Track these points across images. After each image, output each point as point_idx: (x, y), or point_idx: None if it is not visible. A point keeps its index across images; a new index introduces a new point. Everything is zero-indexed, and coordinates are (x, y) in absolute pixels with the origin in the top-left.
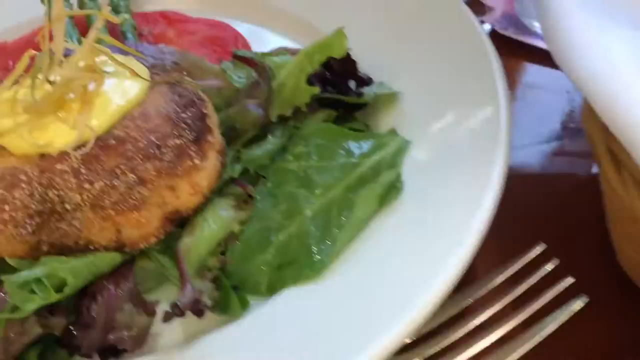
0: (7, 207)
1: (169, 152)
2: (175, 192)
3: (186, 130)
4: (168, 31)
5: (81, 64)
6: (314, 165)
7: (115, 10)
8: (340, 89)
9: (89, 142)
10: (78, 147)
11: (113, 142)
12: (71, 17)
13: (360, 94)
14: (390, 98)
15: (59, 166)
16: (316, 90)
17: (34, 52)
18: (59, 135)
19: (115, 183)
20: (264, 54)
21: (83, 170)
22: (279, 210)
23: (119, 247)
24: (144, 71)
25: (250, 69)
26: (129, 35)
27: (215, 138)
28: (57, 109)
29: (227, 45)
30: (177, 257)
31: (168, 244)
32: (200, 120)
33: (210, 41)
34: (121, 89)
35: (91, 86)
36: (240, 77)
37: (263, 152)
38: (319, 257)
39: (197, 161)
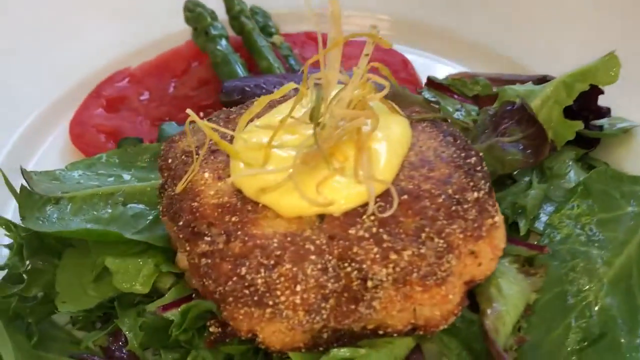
0: (298, 287)
1: (470, 208)
2: (477, 258)
3: (481, 180)
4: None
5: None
6: (598, 217)
7: (265, 31)
8: (583, 121)
9: (394, 201)
10: (364, 205)
11: (405, 197)
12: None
13: (600, 127)
14: (631, 133)
15: (352, 231)
16: (580, 125)
17: (294, 85)
18: (341, 191)
19: (423, 251)
20: (473, 82)
21: (385, 236)
22: (571, 273)
23: (412, 331)
24: (398, 109)
25: (454, 99)
26: (292, 60)
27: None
28: (330, 158)
29: (396, 70)
30: (486, 338)
31: None
32: (483, 167)
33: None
34: (388, 129)
35: (364, 129)
36: (458, 109)
37: (533, 202)
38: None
39: (496, 218)
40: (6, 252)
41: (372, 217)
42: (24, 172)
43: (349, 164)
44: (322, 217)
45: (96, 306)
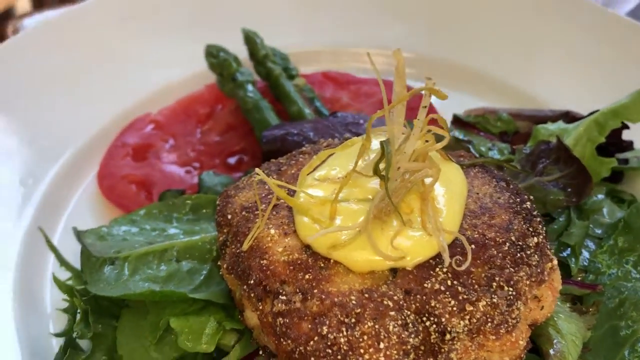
0: (382, 345)
1: (533, 253)
2: (540, 302)
3: (539, 225)
4: (340, 94)
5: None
6: None
7: (287, 73)
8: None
9: (468, 253)
10: (435, 257)
11: (472, 247)
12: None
13: (626, 161)
14: None
15: (427, 285)
16: (614, 162)
17: (359, 140)
18: (413, 243)
19: (495, 300)
20: (496, 118)
21: (460, 288)
22: (620, 308)
23: None
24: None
25: (482, 137)
26: (317, 102)
27: None
28: (398, 210)
29: (413, 107)
30: None
31: None
32: (536, 210)
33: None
34: (447, 180)
35: (427, 180)
36: (490, 148)
37: (576, 239)
38: None
39: (554, 261)
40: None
41: (445, 269)
42: (79, 234)
43: (414, 216)
44: (394, 271)
45: None
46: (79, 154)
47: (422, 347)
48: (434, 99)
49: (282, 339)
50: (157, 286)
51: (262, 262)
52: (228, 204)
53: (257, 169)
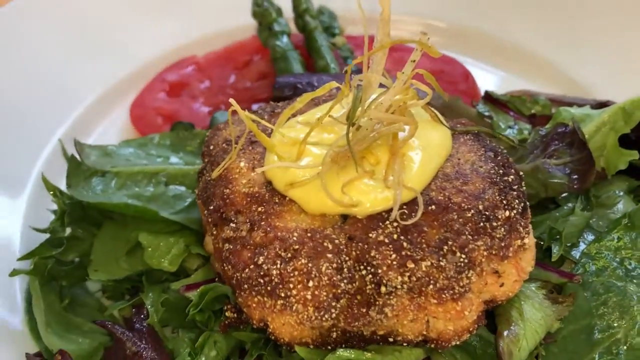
0: (311, 283)
1: (500, 226)
2: (500, 278)
3: (515, 199)
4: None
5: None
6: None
7: (328, 31)
8: None
9: (418, 206)
10: (389, 211)
11: (432, 208)
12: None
13: None
14: None
15: (373, 235)
16: (635, 155)
17: (335, 84)
18: (368, 193)
19: (443, 264)
20: (533, 101)
21: (405, 244)
22: (602, 307)
23: (423, 342)
24: (440, 117)
25: (510, 116)
26: (350, 62)
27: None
28: (361, 160)
29: (456, 82)
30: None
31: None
32: (521, 186)
33: (435, 75)
34: (427, 137)
35: (401, 134)
36: (510, 126)
37: (571, 228)
38: None
39: (526, 239)
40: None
41: (395, 224)
42: (76, 143)
43: (381, 168)
44: (345, 217)
45: (125, 278)
46: (120, 85)
47: (358, 297)
48: (480, 74)
49: (224, 264)
50: (138, 203)
51: (225, 190)
52: (215, 136)
53: (231, 100)
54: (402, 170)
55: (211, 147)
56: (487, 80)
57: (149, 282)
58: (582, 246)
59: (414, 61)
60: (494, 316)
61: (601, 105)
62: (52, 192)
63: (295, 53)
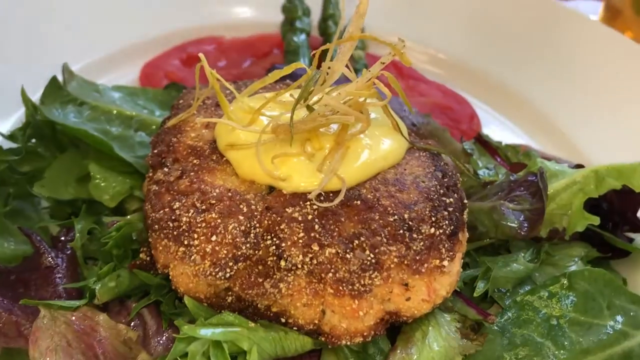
0: (214, 238)
1: (419, 240)
2: (407, 292)
3: (446, 220)
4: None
5: (347, 98)
6: (571, 316)
7: None
8: (612, 226)
9: (339, 195)
10: (319, 195)
11: (357, 203)
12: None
13: (630, 240)
14: None
15: (289, 210)
16: (596, 220)
17: (301, 64)
18: (299, 172)
19: (349, 256)
20: (525, 154)
21: (317, 227)
22: (514, 359)
23: (314, 332)
24: (403, 128)
25: (495, 160)
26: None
27: (465, 238)
28: (305, 141)
29: (460, 121)
30: None
31: (365, 346)
32: (460, 212)
33: (441, 110)
34: (378, 142)
35: (353, 130)
36: (488, 167)
37: (508, 274)
38: None
39: (445, 262)
40: None
41: (315, 207)
42: (64, 67)
43: (322, 154)
44: (271, 189)
45: (67, 201)
46: (147, 45)
47: (259, 267)
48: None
49: (146, 203)
50: (98, 135)
51: (172, 139)
52: (189, 93)
53: (200, 54)
54: (341, 161)
55: (180, 102)
56: (492, 126)
57: (87, 210)
58: (515, 294)
59: (384, 63)
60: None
61: (578, 166)
62: (26, 104)
63: (307, 51)
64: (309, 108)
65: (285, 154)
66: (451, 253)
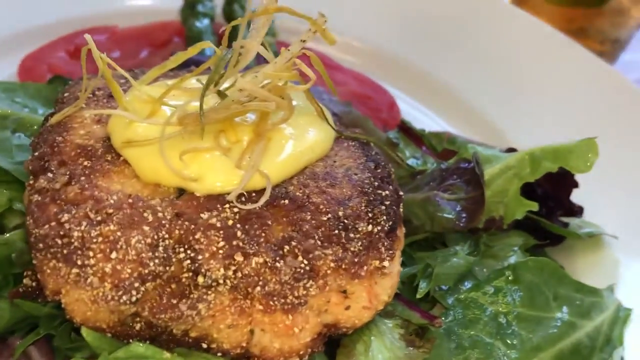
0: (114, 255)
1: (357, 240)
2: (346, 300)
3: (383, 216)
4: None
5: (265, 82)
6: (518, 311)
7: None
8: (546, 212)
9: (264, 194)
10: (239, 195)
11: (285, 202)
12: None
13: (565, 225)
14: (597, 241)
15: (205, 216)
16: (535, 206)
17: (209, 44)
18: (214, 169)
19: (279, 265)
20: (450, 141)
21: (239, 233)
22: None
23: (242, 357)
24: (328, 115)
25: (419, 149)
26: None
27: (402, 234)
28: (219, 134)
29: (380, 110)
30: None
31: None
32: (397, 205)
33: (359, 99)
34: (304, 132)
35: (275, 118)
36: (416, 157)
37: (449, 270)
38: None
39: (386, 262)
40: None
41: (235, 210)
42: None
43: (240, 147)
44: (182, 192)
45: None
46: (28, 36)
47: (172, 285)
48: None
49: (27, 217)
50: None
51: (57, 138)
52: (76, 85)
53: (86, 35)
54: (262, 155)
55: (66, 95)
56: (412, 115)
57: None
58: (457, 289)
59: (304, 41)
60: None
61: (511, 150)
62: None
63: (213, 38)
64: (221, 94)
65: (195, 148)
66: (391, 252)
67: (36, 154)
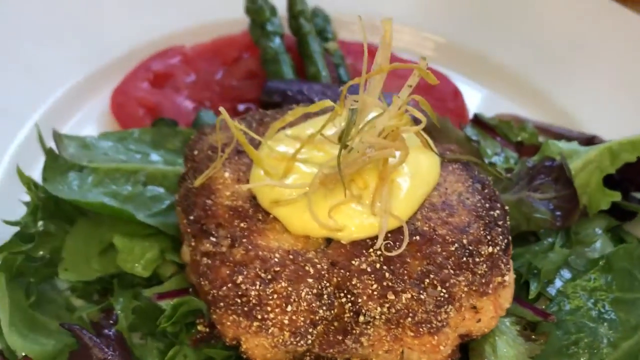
0: (289, 308)
1: (482, 262)
2: (477, 314)
3: (500, 236)
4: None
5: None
6: (614, 296)
7: (321, 35)
8: (622, 191)
9: (404, 238)
10: (374, 238)
11: (417, 238)
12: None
13: (639, 201)
14: None
15: (356, 262)
16: (618, 196)
17: (331, 103)
18: (353, 218)
19: (423, 297)
20: (521, 127)
21: (387, 274)
22: (573, 346)
23: None
24: (431, 143)
25: (497, 141)
26: (342, 70)
27: (511, 243)
28: (350, 183)
29: (445, 99)
30: None
31: None
32: (506, 222)
33: (425, 90)
34: (417, 164)
35: (391, 160)
36: (497, 153)
37: (550, 265)
38: None
39: (506, 277)
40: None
41: (379, 252)
42: (55, 134)
43: (368, 192)
44: (329, 241)
45: (96, 279)
46: (104, 71)
47: (335, 324)
48: (470, 92)
49: (201, 279)
50: (115, 202)
51: (207, 201)
52: (200, 140)
53: (221, 108)
54: (390, 197)
55: (195, 152)
56: (475, 98)
57: (120, 285)
58: (559, 283)
59: (411, 86)
60: (467, 349)
61: (589, 141)
62: (26, 185)
63: (287, 57)
64: (347, 148)
65: (338, 204)
66: (508, 265)
67: (191, 217)
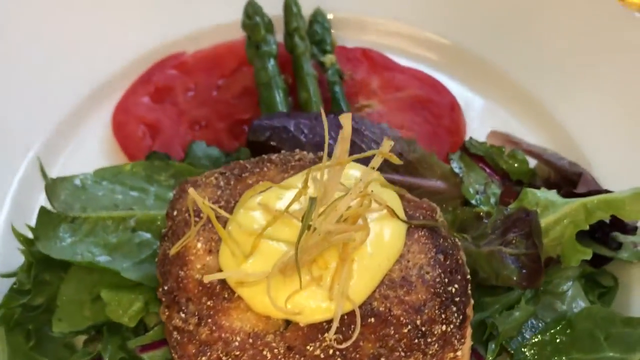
0: None
1: (434, 342)
2: None
3: (454, 314)
4: (372, 79)
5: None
6: (574, 356)
7: (320, 46)
8: (600, 237)
9: (356, 326)
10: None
11: (372, 320)
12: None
13: (618, 246)
14: None
15: (310, 347)
16: (589, 254)
17: (297, 184)
18: (311, 301)
19: None
20: (511, 155)
21: None
22: None
23: None
24: (399, 209)
25: (484, 173)
26: (337, 88)
27: (471, 311)
28: (311, 264)
29: (441, 115)
30: None
31: None
32: (465, 295)
33: (421, 104)
34: (380, 241)
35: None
36: (479, 192)
37: (513, 323)
38: None
39: (459, 352)
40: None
41: (334, 337)
42: (47, 184)
43: (328, 273)
44: (288, 322)
45: (88, 327)
46: (105, 85)
47: None
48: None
49: (172, 351)
50: (103, 255)
51: (180, 272)
52: (180, 199)
53: (190, 189)
54: (349, 281)
55: (175, 213)
56: (474, 107)
57: (109, 332)
58: (521, 337)
59: (374, 168)
60: None
61: (574, 179)
62: (21, 242)
63: (280, 80)
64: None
65: (296, 291)
66: (462, 340)
67: (166, 287)
